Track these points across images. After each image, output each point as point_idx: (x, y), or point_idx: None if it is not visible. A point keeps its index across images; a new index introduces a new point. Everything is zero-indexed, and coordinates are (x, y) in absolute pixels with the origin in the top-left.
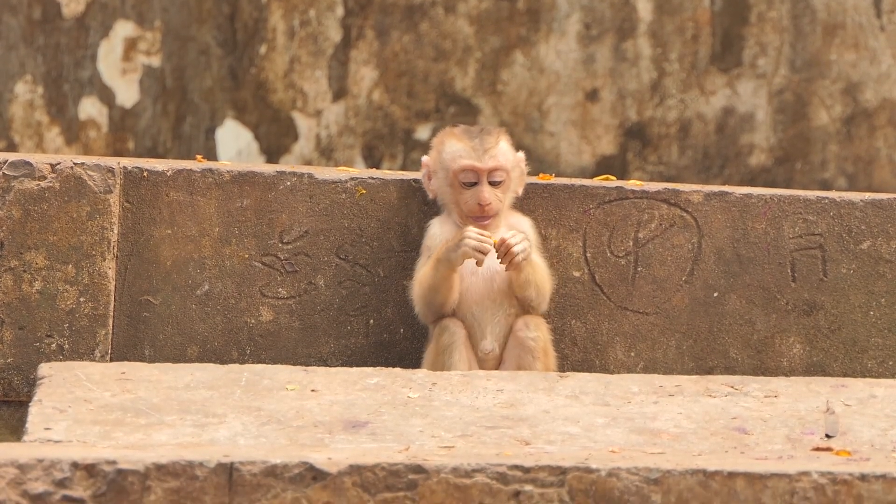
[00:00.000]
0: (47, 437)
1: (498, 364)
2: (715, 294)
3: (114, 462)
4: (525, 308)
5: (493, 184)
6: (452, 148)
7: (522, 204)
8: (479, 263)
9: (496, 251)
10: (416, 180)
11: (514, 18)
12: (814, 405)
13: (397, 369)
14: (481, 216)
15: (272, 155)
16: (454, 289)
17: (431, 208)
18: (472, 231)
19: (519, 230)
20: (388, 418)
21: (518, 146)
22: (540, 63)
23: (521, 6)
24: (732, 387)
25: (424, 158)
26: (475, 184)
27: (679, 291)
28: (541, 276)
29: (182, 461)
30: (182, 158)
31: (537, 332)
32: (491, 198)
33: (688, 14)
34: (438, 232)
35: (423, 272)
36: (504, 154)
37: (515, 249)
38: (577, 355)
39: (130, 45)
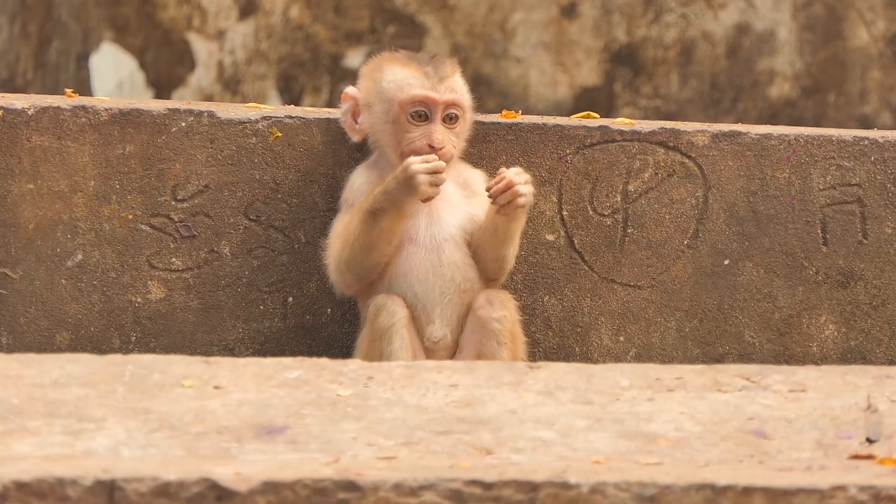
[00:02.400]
0: None
1: (451, 355)
2: (726, 262)
3: None
4: (485, 278)
5: (447, 122)
6: (397, 75)
7: (481, 149)
8: (427, 199)
9: (494, 188)
10: None
11: None
12: (851, 401)
13: (323, 360)
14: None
15: (162, 88)
16: (394, 243)
17: (366, 156)
18: (416, 158)
19: (475, 185)
20: (312, 422)
21: (476, 76)
22: None
23: None
24: (748, 379)
25: (349, 90)
26: (425, 121)
27: (680, 259)
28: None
29: (50, 478)
30: (47, 93)
31: (503, 310)
32: (445, 139)
33: None
34: (364, 181)
35: (347, 226)
36: (461, 87)
37: (521, 190)
38: (551, 340)
39: None
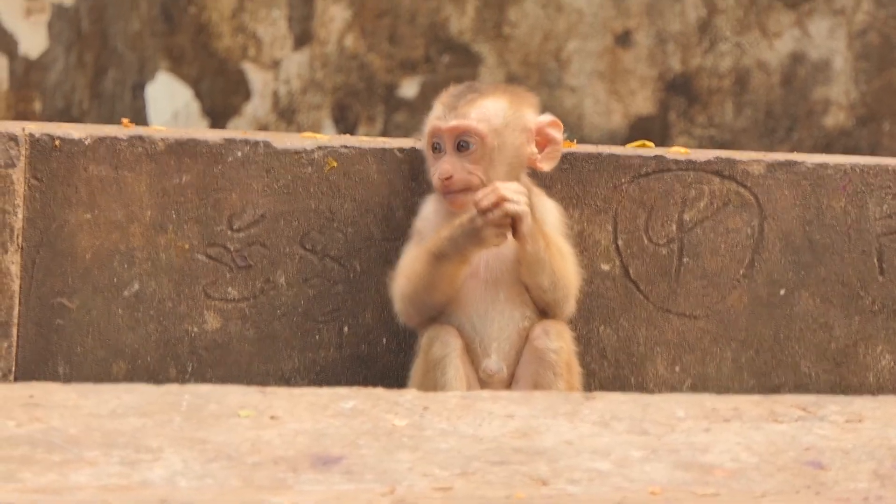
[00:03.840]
0: None
1: (507, 387)
2: (781, 291)
3: None
4: (542, 310)
5: (462, 150)
6: (433, 109)
7: (536, 179)
8: (499, 242)
9: (482, 202)
10: (401, 149)
11: None
12: None
13: (379, 389)
14: (446, 192)
15: (218, 118)
16: (457, 285)
17: (421, 185)
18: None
19: (539, 214)
20: (367, 452)
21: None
22: None
23: None
24: (805, 409)
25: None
26: (443, 153)
27: (736, 288)
28: (559, 264)
29: None
30: (103, 123)
31: (559, 341)
32: (454, 169)
33: None
34: (433, 213)
35: (413, 264)
36: (481, 113)
37: (508, 195)
38: (606, 371)
39: None
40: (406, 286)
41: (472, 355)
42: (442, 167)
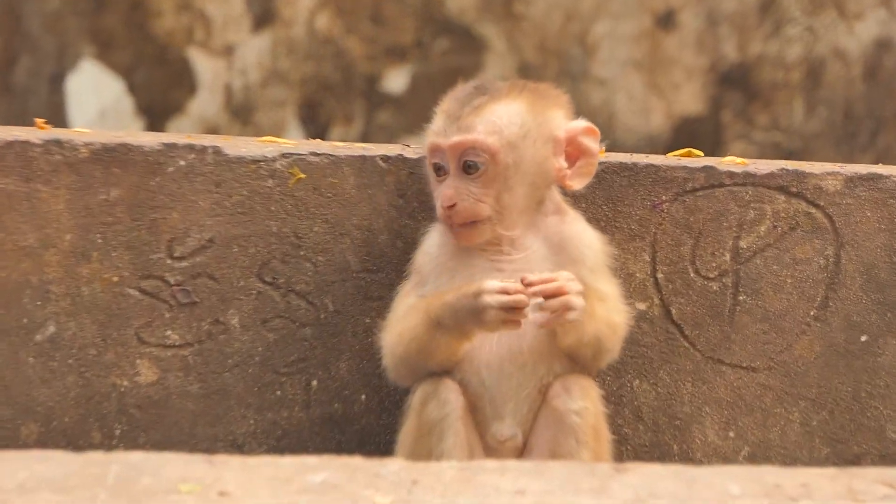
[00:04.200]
0: None
1: (519, 455)
2: (863, 338)
3: None
4: (576, 366)
5: (469, 171)
6: (433, 120)
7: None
8: (514, 325)
9: (541, 288)
10: (385, 157)
11: None
12: None
13: (356, 458)
14: (450, 223)
15: (156, 117)
16: (457, 358)
17: (410, 203)
18: (493, 285)
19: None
20: None
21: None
22: None
23: None
24: (892, 486)
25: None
26: (446, 175)
27: (805, 334)
28: (606, 326)
29: None
30: (12, 124)
31: (584, 400)
32: (459, 195)
33: None
34: (437, 247)
35: (408, 320)
36: (491, 122)
37: (574, 302)
38: (643, 436)
39: None
40: (398, 345)
41: (479, 416)
42: (444, 193)
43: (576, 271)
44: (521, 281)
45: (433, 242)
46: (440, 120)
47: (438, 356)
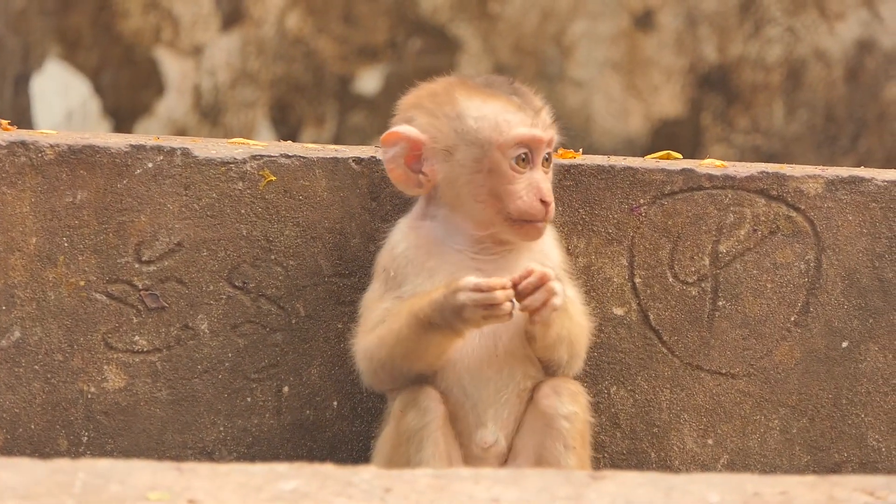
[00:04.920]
0: None
1: (503, 463)
2: (844, 344)
3: None
4: (547, 372)
5: (544, 166)
6: (487, 109)
7: None
8: (498, 320)
9: (523, 284)
10: (357, 160)
11: None
12: None
13: (328, 466)
14: (540, 221)
15: (123, 118)
16: (445, 357)
17: (383, 206)
18: (468, 282)
19: (544, 250)
20: None
21: None
22: None
23: None
24: (873, 494)
25: (403, 129)
26: (527, 167)
27: (785, 340)
28: (577, 326)
29: None
30: None
31: (574, 405)
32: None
33: None
34: (410, 246)
35: (391, 323)
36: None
37: (555, 288)
38: (620, 443)
39: None
40: (378, 349)
41: (461, 425)
42: (545, 188)
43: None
44: (512, 281)
45: (406, 242)
46: (524, 111)
47: (428, 357)
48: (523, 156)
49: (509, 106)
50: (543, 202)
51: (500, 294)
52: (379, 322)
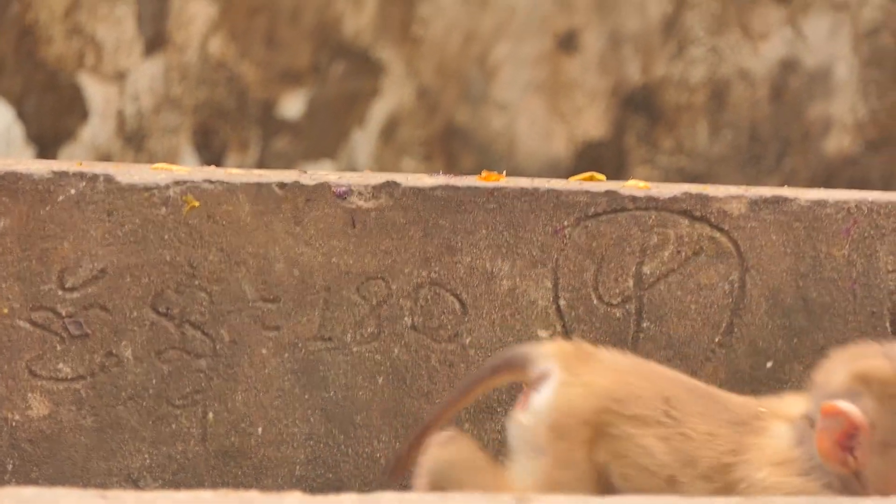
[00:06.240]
0: None
1: None
2: (768, 364)
3: None
4: None
5: None
6: None
7: (454, 220)
8: None
9: None
10: (281, 184)
11: None
12: None
13: (253, 493)
14: None
15: (46, 144)
16: None
17: (307, 230)
18: None
19: None
20: None
21: (448, 127)
22: None
23: None
24: None
25: (847, 408)
26: None
27: (710, 360)
28: None
29: None
30: None
31: None
32: None
33: None
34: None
35: None
36: None
37: None
38: None
39: None
40: None
41: None
42: None
43: None
44: None
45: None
46: None
47: None
48: None
49: None
50: None
51: None
52: None
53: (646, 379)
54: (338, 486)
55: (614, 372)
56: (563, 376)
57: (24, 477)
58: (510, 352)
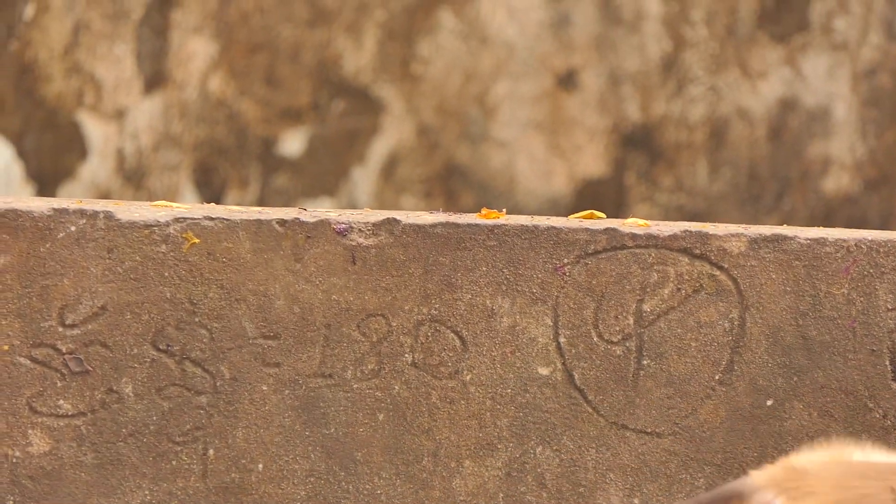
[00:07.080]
0: None
1: None
2: (769, 402)
3: None
4: None
5: None
6: None
7: (455, 258)
8: None
9: None
10: (281, 221)
11: None
12: None
13: None
14: None
15: (46, 182)
16: None
17: (307, 267)
18: None
19: None
20: None
21: (448, 165)
22: (481, 28)
23: None
24: None
25: None
26: None
27: (710, 398)
28: None
29: None
30: None
31: None
32: None
33: None
34: None
35: None
36: None
37: None
38: (546, 503)
39: None
40: None
41: None
42: None
43: None
44: None
45: None
46: None
47: None
48: None
49: None
50: None
51: None
52: None
53: (863, 476)
54: None
55: (831, 480)
56: None
57: None
58: (717, 491)
